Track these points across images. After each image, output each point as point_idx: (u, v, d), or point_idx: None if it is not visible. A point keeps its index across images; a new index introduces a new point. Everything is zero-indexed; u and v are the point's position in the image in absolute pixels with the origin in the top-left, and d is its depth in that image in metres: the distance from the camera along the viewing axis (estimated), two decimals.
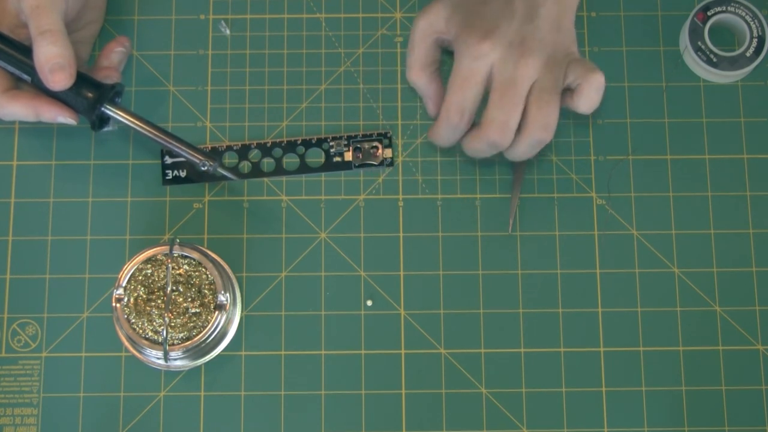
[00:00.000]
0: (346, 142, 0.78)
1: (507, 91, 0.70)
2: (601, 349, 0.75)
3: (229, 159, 0.78)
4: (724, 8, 0.78)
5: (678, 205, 0.77)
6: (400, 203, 0.77)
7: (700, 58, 0.78)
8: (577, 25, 0.79)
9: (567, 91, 0.72)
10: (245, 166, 0.78)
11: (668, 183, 0.77)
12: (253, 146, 0.78)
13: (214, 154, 0.77)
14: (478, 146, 0.73)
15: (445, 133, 0.73)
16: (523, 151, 0.72)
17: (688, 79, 0.79)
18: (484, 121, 0.71)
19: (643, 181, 0.77)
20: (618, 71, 0.79)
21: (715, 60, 0.78)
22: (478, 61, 0.70)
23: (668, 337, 0.75)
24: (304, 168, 0.78)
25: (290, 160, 0.78)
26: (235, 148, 0.78)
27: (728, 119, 0.78)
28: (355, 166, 0.77)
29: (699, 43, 0.78)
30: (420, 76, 0.75)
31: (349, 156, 0.78)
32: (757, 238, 0.76)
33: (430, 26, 0.73)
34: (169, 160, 0.77)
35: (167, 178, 0.77)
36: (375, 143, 0.78)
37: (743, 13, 0.78)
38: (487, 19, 0.71)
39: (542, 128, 0.71)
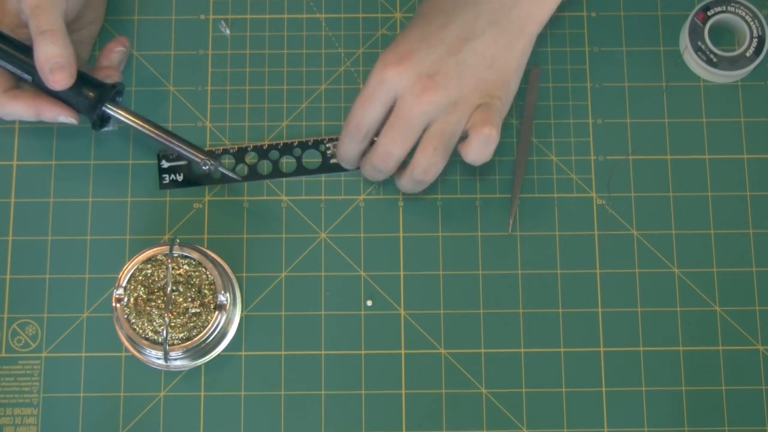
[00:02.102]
0: None
1: (399, 123, 0.69)
2: (601, 349, 0.75)
3: (227, 161, 0.78)
4: (724, 8, 0.78)
5: (678, 205, 0.77)
6: (400, 203, 0.77)
7: (700, 58, 0.78)
8: (577, 25, 0.79)
9: (463, 137, 0.70)
10: (243, 168, 0.77)
11: (668, 183, 0.77)
12: (249, 149, 0.78)
13: (211, 157, 0.77)
14: (366, 166, 0.73)
15: (345, 147, 0.73)
16: (404, 185, 0.72)
17: (688, 79, 0.79)
18: (375, 145, 0.71)
19: (643, 181, 0.77)
20: (618, 71, 0.79)
21: (715, 60, 0.78)
22: (381, 86, 0.69)
23: (668, 337, 0.75)
24: (301, 170, 0.78)
25: (287, 161, 0.78)
26: (231, 150, 0.78)
27: (728, 119, 0.79)
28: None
29: (699, 43, 0.78)
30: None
31: None
32: (757, 238, 0.77)
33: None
34: (165, 164, 0.77)
35: (164, 182, 0.77)
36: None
37: (743, 13, 0.78)
38: (411, 41, 0.69)
39: (423, 172, 0.70)
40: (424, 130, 0.69)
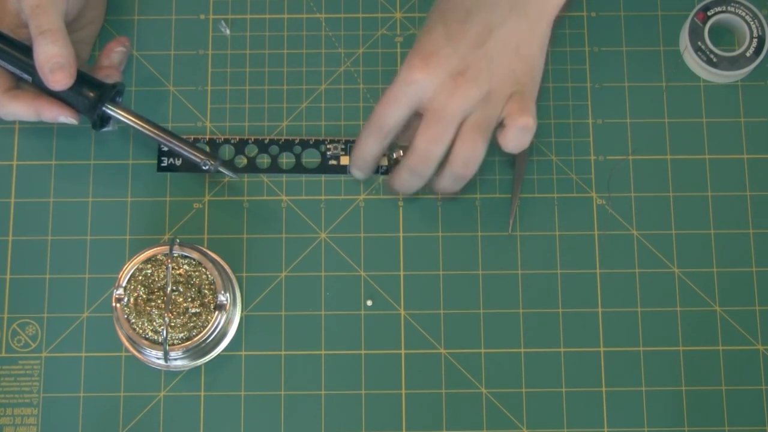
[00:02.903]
0: (343, 146, 0.78)
1: (435, 122, 0.69)
2: (601, 349, 0.75)
3: (227, 153, 0.78)
4: (724, 8, 0.78)
5: (678, 205, 0.77)
6: (400, 203, 0.77)
7: (700, 58, 0.78)
8: (577, 25, 0.79)
9: (499, 126, 0.70)
10: (242, 161, 0.78)
11: (668, 183, 0.77)
12: (250, 141, 0.78)
13: (212, 146, 0.77)
14: (403, 174, 0.72)
15: (364, 146, 0.72)
16: (444, 184, 0.72)
17: (688, 79, 0.79)
18: (410, 148, 0.70)
19: (643, 181, 0.77)
20: (618, 71, 0.79)
21: (715, 60, 0.78)
22: (408, 87, 0.69)
23: (668, 337, 0.75)
24: (299, 168, 0.78)
25: (287, 159, 0.78)
26: (232, 141, 0.78)
27: (728, 119, 0.78)
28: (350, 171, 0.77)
29: (699, 43, 0.78)
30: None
31: (345, 160, 0.77)
32: (757, 238, 0.76)
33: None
34: (165, 146, 0.76)
35: (162, 165, 0.77)
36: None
37: (743, 13, 0.78)
38: (434, 40, 0.69)
39: (463, 164, 0.70)
40: (460, 125, 0.69)
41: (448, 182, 0.72)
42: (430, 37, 0.70)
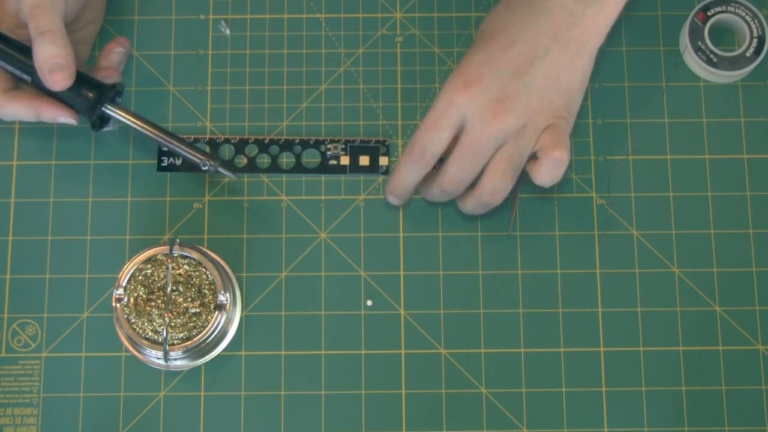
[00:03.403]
0: (343, 146, 0.78)
1: (470, 151, 0.68)
2: (601, 349, 0.75)
3: (227, 153, 0.78)
4: (724, 8, 0.78)
5: (678, 205, 0.77)
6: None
7: (700, 58, 0.78)
8: None
9: (532, 158, 0.70)
10: (242, 161, 0.78)
11: (668, 183, 0.77)
12: (250, 141, 0.78)
13: (212, 146, 0.77)
14: (434, 191, 0.72)
15: (405, 173, 0.71)
16: (470, 207, 0.72)
17: (688, 79, 0.79)
18: (443, 169, 0.70)
19: (643, 181, 0.77)
20: (618, 71, 0.79)
21: (715, 60, 0.78)
22: (450, 108, 0.68)
23: (668, 337, 0.75)
24: (299, 168, 0.78)
25: (287, 159, 0.78)
26: (232, 141, 0.78)
27: (728, 119, 0.78)
28: (350, 171, 0.77)
29: (699, 43, 0.78)
30: None
31: (345, 160, 0.77)
32: (757, 238, 0.76)
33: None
34: (164, 147, 0.76)
35: (162, 165, 0.77)
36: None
37: (743, 13, 0.78)
38: (476, 65, 0.68)
39: (491, 195, 0.70)
40: (493, 153, 0.69)
41: (473, 206, 0.72)
42: (471, 61, 0.69)
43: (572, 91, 0.69)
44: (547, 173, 0.69)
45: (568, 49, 0.68)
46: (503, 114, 0.67)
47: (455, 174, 0.70)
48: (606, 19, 0.69)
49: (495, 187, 0.70)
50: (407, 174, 0.72)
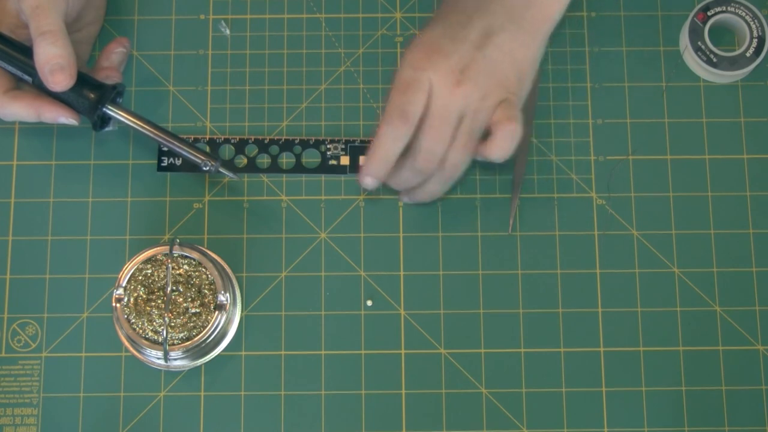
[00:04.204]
0: (343, 146, 0.78)
1: (438, 120, 0.69)
2: (601, 349, 0.75)
3: (227, 153, 0.78)
4: (724, 8, 0.78)
5: (678, 205, 0.77)
6: (400, 203, 0.77)
7: (700, 58, 0.78)
8: (577, 25, 0.79)
9: (484, 136, 0.70)
10: (242, 161, 0.78)
11: (668, 183, 0.77)
12: (250, 141, 0.78)
13: (212, 146, 0.77)
14: (405, 174, 0.72)
15: (387, 143, 0.69)
16: (433, 188, 0.72)
17: (688, 79, 0.79)
18: (414, 148, 0.70)
19: (643, 181, 0.77)
20: (618, 71, 0.79)
21: (715, 60, 0.78)
22: (418, 72, 0.68)
23: (668, 337, 0.75)
24: (299, 168, 0.78)
25: (287, 159, 0.78)
26: (232, 141, 0.78)
27: (728, 119, 0.78)
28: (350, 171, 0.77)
29: (699, 43, 0.78)
30: None
31: (345, 160, 0.77)
32: (757, 238, 0.76)
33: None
34: (165, 147, 0.76)
35: (162, 165, 0.77)
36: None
37: (743, 13, 0.78)
38: (436, 38, 0.69)
39: (454, 167, 0.70)
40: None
41: (438, 185, 0.72)
42: (431, 35, 0.70)
43: (525, 69, 0.70)
44: (501, 145, 0.69)
45: (522, 28, 0.70)
46: (466, 82, 0.68)
47: (429, 148, 0.69)
48: (558, 5, 0.70)
49: (458, 161, 0.70)
50: (390, 144, 0.70)
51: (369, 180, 0.71)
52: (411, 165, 0.71)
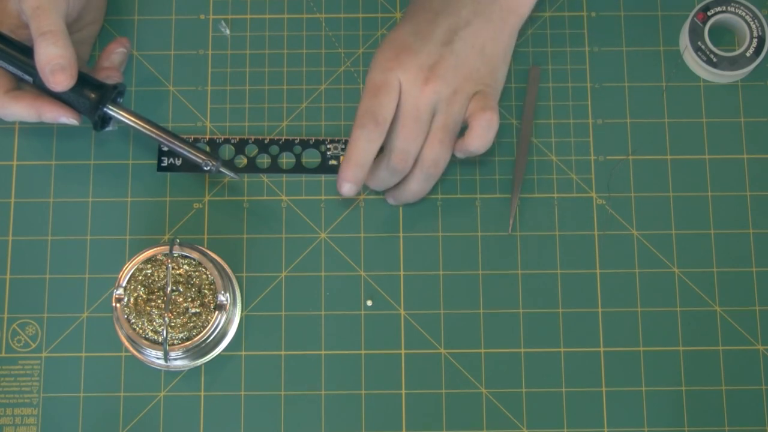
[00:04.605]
0: (343, 146, 0.78)
1: (410, 119, 0.69)
2: (601, 349, 0.75)
3: (227, 153, 0.78)
4: (724, 8, 0.78)
5: (678, 205, 0.77)
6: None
7: (700, 58, 0.78)
8: (577, 25, 0.79)
9: (462, 131, 0.71)
10: (242, 161, 0.78)
11: (668, 183, 0.77)
12: (250, 141, 0.78)
13: (212, 146, 0.78)
14: (381, 174, 0.72)
15: (361, 147, 0.69)
16: (415, 186, 0.72)
17: (688, 79, 0.79)
18: (388, 148, 0.71)
19: (643, 181, 0.77)
20: (618, 71, 0.79)
21: (715, 60, 0.78)
22: (389, 74, 0.69)
23: (668, 337, 0.75)
24: (299, 168, 0.78)
25: (287, 159, 0.78)
26: (232, 141, 0.78)
27: (728, 119, 0.78)
28: None
29: (699, 43, 0.78)
30: None
31: None
32: (757, 238, 0.76)
33: None
34: (165, 147, 0.76)
35: (162, 165, 0.77)
36: None
37: (743, 13, 0.78)
38: (403, 36, 0.71)
39: (433, 165, 0.71)
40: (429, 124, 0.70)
41: (419, 183, 0.72)
42: (398, 34, 0.71)
43: (496, 61, 0.71)
44: (480, 136, 0.70)
45: (490, 21, 0.71)
46: (435, 79, 0.69)
47: (402, 147, 0.70)
48: (524, 0, 0.72)
49: (436, 157, 0.71)
50: (364, 146, 0.70)
51: (348, 186, 0.71)
52: (386, 165, 0.71)
